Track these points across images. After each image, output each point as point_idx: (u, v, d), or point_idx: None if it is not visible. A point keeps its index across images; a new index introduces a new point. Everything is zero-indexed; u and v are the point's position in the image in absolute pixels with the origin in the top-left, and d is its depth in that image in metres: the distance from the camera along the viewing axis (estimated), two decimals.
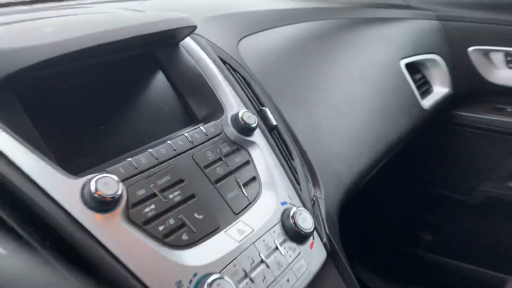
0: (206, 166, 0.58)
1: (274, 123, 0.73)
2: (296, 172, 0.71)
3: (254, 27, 0.91)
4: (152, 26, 0.59)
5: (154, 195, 0.51)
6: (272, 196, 0.62)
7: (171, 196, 0.53)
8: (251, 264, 0.54)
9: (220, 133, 0.63)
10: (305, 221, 0.60)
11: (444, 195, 1.48)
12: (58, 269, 0.42)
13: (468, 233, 1.46)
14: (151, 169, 0.53)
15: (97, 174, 0.47)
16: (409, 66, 1.22)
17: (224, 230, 0.55)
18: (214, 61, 0.72)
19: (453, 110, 1.39)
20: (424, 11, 1.37)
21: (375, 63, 1.13)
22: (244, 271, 0.53)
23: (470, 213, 1.44)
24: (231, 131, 0.63)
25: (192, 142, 0.59)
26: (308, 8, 1.13)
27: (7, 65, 0.47)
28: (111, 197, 0.45)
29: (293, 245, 0.59)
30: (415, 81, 1.23)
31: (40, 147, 0.49)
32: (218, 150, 0.61)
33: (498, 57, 1.34)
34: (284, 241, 0.59)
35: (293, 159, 0.73)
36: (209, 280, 0.47)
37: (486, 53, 1.34)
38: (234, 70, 0.76)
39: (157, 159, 0.55)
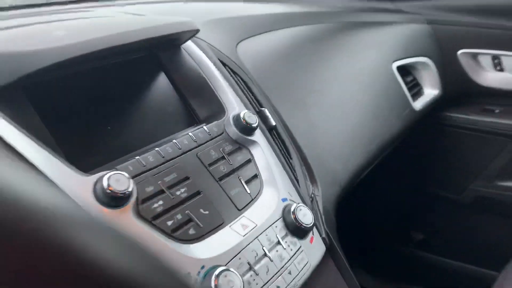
0: (210, 164, 0.61)
1: (273, 123, 0.75)
2: (294, 170, 0.74)
3: (252, 30, 0.94)
4: (158, 30, 0.62)
5: (162, 191, 0.54)
6: (273, 193, 0.64)
7: (178, 193, 0.55)
8: (255, 257, 0.56)
9: (223, 133, 0.65)
10: (305, 216, 0.62)
11: (435, 194, 1.52)
12: None
13: (459, 231, 1.50)
14: (159, 167, 0.56)
15: (109, 171, 0.49)
16: (400, 68, 1.25)
17: (229, 225, 0.57)
18: (215, 64, 0.74)
19: (443, 111, 1.42)
20: (415, 15, 1.41)
21: (368, 65, 1.16)
22: (249, 263, 0.55)
23: (461, 211, 1.47)
24: (233, 131, 0.66)
25: (196, 141, 0.61)
26: (303, 12, 1.16)
27: (21, 67, 0.49)
28: (123, 193, 0.48)
29: (294, 239, 0.62)
30: (406, 83, 1.27)
31: (52, 146, 0.51)
32: (221, 149, 0.63)
33: (486, 60, 1.38)
34: (286, 235, 0.61)
35: (291, 158, 0.76)
36: (216, 272, 0.50)
37: (474, 56, 1.38)
38: (234, 72, 0.78)
39: (163, 157, 0.57)
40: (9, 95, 0.50)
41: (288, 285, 0.58)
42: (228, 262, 0.53)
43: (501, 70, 1.37)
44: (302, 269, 0.61)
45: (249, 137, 0.67)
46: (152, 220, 0.51)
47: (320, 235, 0.68)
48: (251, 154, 0.67)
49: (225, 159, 0.63)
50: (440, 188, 1.50)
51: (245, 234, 0.57)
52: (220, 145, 0.64)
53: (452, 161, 1.47)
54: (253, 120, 0.66)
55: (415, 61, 1.33)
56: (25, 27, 0.59)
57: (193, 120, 0.69)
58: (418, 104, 1.28)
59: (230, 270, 0.51)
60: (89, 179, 0.48)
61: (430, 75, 1.38)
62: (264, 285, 0.55)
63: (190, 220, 0.54)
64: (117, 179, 0.48)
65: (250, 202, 0.61)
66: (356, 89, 1.08)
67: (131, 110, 0.64)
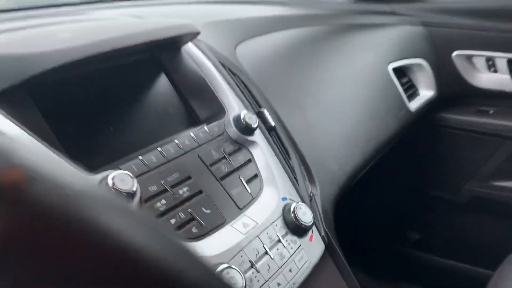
0: (212, 164, 0.62)
1: (273, 124, 0.76)
2: (293, 170, 0.75)
3: (250, 32, 0.95)
4: (161, 32, 0.63)
5: (165, 190, 0.55)
6: (273, 192, 0.65)
7: (180, 192, 0.56)
8: (256, 255, 0.57)
9: (223, 133, 0.66)
10: (305, 215, 0.64)
11: (431, 194, 1.53)
12: None
13: (455, 231, 1.51)
14: (161, 167, 0.57)
15: (113, 170, 0.50)
16: (396, 70, 1.27)
17: (230, 223, 0.58)
18: (215, 65, 0.75)
19: (438, 112, 1.44)
20: (410, 17, 1.42)
21: (365, 67, 1.17)
22: (250, 261, 0.56)
23: (457, 211, 1.49)
24: (233, 131, 0.67)
25: (197, 142, 0.62)
26: (300, 14, 1.17)
27: (28, 68, 0.50)
28: (127, 192, 0.48)
29: (294, 238, 0.63)
30: (402, 85, 1.28)
31: (56, 146, 0.52)
32: (221, 149, 0.64)
33: (480, 62, 1.40)
34: (286, 234, 0.62)
35: (290, 158, 0.77)
36: (219, 269, 0.51)
37: (469, 58, 1.40)
38: (233, 73, 0.79)
39: (166, 157, 0.58)
40: (14, 95, 0.51)
41: (288, 282, 0.59)
42: (230, 260, 0.54)
43: (495, 71, 1.38)
44: (302, 266, 0.62)
45: (249, 138, 0.68)
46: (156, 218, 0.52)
47: (319, 234, 0.69)
48: (251, 154, 0.68)
49: (226, 159, 0.64)
50: (436, 188, 1.51)
51: (246, 233, 0.58)
52: (221, 145, 0.65)
53: (447, 161, 1.48)
54: (253, 120, 0.67)
55: (410, 62, 1.35)
56: (30, 29, 0.60)
57: (193, 120, 0.70)
58: (414, 105, 1.29)
59: (232, 268, 0.52)
60: (93, 178, 0.49)
61: (425, 77, 1.40)
62: (265, 282, 0.57)
63: (192, 219, 0.55)
64: (122, 178, 0.49)
65: (250, 201, 0.63)
66: (353, 90, 1.09)
67: (133, 110, 0.65)
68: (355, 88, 1.10)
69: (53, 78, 0.57)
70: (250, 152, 0.68)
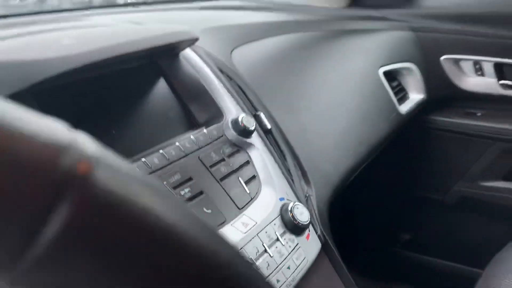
0: (212, 166, 0.64)
1: (269, 126, 0.78)
2: (289, 171, 0.77)
3: (245, 37, 0.97)
4: (161, 39, 0.65)
5: None
6: (271, 192, 0.68)
7: (182, 193, 0.58)
8: (256, 253, 0.59)
9: (222, 136, 0.69)
10: (302, 214, 0.66)
11: (421, 195, 1.56)
12: None
13: (444, 231, 1.54)
14: (163, 168, 0.58)
15: None
16: (386, 74, 1.30)
17: (230, 223, 0.60)
18: (212, 70, 0.77)
19: (428, 115, 1.47)
20: (400, 22, 1.46)
21: (356, 71, 1.20)
22: (250, 259, 0.58)
23: (446, 212, 1.52)
24: (231, 134, 0.69)
25: (197, 144, 0.64)
26: (294, 20, 1.20)
27: (33, 74, 0.52)
28: None
29: (292, 236, 0.65)
30: (392, 88, 1.31)
31: None
32: (221, 151, 0.66)
33: (467, 66, 1.44)
34: (284, 232, 0.64)
35: (286, 160, 0.79)
36: None
37: (456, 62, 1.44)
38: (230, 78, 0.82)
39: (168, 159, 0.60)
40: (20, 99, 0.52)
41: (287, 279, 0.61)
42: None
43: (482, 75, 1.42)
44: (300, 264, 0.64)
45: (247, 140, 0.70)
46: None
47: (316, 233, 0.71)
48: (249, 156, 0.70)
49: (225, 160, 0.66)
50: (426, 189, 1.54)
51: (246, 232, 0.60)
52: (220, 147, 0.67)
53: (437, 163, 1.51)
54: (251, 123, 0.70)
55: (400, 66, 1.38)
56: (33, 35, 0.62)
57: (192, 124, 0.72)
58: (404, 108, 1.32)
59: None
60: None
61: (414, 80, 1.43)
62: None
63: None
64: None
65: (249, 201, 0.65)
66: (345, 94, 1.12)
67: (134, 114, 0.66)
68: (347, 91, 1.13)
69: (57, 83, 0.58)
70: (248, 154, 0.70)
